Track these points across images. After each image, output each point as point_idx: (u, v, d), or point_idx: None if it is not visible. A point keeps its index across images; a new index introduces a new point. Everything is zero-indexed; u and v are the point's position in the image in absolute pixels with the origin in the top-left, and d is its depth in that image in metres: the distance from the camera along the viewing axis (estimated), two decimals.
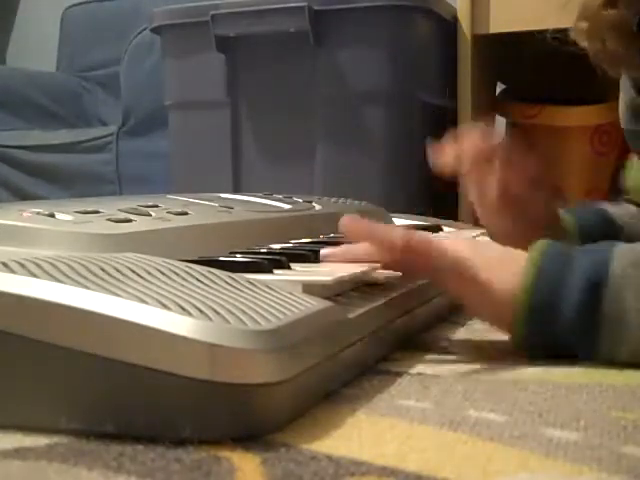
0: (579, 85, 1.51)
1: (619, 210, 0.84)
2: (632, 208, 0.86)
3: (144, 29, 1.98)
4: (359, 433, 0.39)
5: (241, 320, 0.38)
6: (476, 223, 0.74)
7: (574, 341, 0.54)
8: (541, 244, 0.57)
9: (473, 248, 0.58)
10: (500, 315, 0.56)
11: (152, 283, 0.42)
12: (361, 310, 0.51)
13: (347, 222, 0.59)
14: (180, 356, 0.36)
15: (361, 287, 0.58)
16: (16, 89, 2.51)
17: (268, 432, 0.38)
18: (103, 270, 0.42)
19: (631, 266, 0.54)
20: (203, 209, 0.72)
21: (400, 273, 0.59)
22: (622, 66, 0.72)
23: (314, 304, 0.45)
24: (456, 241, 0.61)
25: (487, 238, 0.80)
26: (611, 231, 0.81)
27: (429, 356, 0.57)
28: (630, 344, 0.53)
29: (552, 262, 0.55)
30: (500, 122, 1.70)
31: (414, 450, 0.37)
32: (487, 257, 0.57)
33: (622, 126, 0.82)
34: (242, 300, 0.42)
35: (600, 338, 0.54)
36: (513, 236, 0.67)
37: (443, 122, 1.53)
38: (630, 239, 0.60)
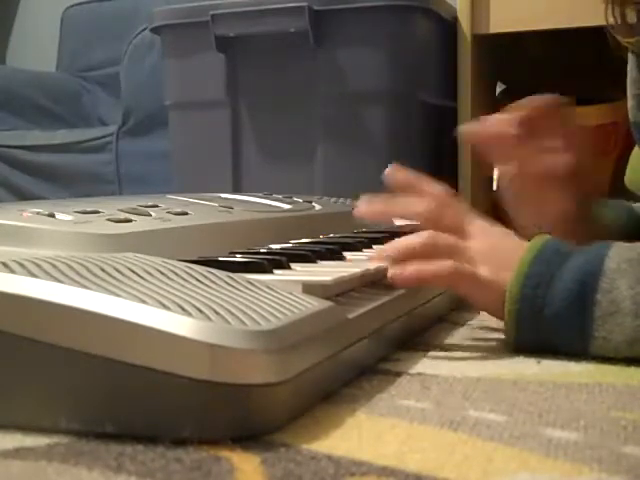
0: (579, 85, 1.51)
1: None
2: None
3: (144, 29, 1.98)
4: (359, 433, 0.39)
5: (241, 320, 0.38)
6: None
7: (568, 332, 0.55)
8: (541, 238, 0.58)
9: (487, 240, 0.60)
10: (495, 305, 0.58)
11: (152, 283, 0.42)
12: (361, 310, 0.51)
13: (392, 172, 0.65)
14: (180, 356, 0.36)
15: (361, 287, 0.58)
16: (16, 89, 2.51)
17: (268, 432, 0.38)
18: (103, 270, 0.42)
19: (626, 262, 0.54)
20: (203, 209, 0.72)
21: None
22: (636, 36, 0.73)
23: (314, 304, 0.45)
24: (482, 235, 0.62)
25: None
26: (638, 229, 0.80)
27: (429, 356, 0.57)
28: (625, 332, 0.53)
29: (548, 256, 0.56)
30: None
31: (414, 450, 0.37)
32: (494, 254, 0.59)
33: (630, 119, 0.82)
34: (242, 300, 0.42)
35: (594, 327, 0.54)
36: (542, 227, 0.66)
37: (443, 122, 1.53)
38: None
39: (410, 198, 0.64)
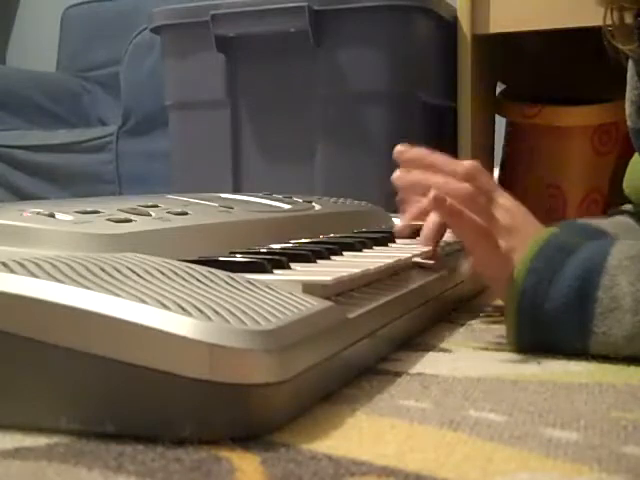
0: (579, 85, 1.51)
1: (603, 222, 0.83)
2: (620, 218, 0.85)
3: (144, 29, 1.98)
4: (359, 433, 0.39)
5: (241, 320, 0.38)
6: None
7: (568, 329, 0.55)
8: (546, 233, 0.58)
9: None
10: (499, 276, 0.58)
11: (152, 283, 0.42)
12: (361, 310, 0.51)
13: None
14: (180, 356, 0.36)
15: (361, 287, 0.58)
16: (16, 89, 2.51)
17: (268, 432, 0.38)
18: (103, 270, 0.42)
19: (628, 259, 0.55)
20: (203, 209, 0.72)
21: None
22: (635, 42, 0.73)
23: (314, 304, 0.45)
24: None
25: None
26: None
27: (429, 356, 0.57)
28: (625, 328, 0.53)
29: (550, 252, 0.56)
30: (500, 122, 1.70)
31: (414, 450, 0.37)
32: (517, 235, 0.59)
33: (629, 125, 0.82)
34: (242, 300, 0.42)
35: (594, 323, 0.54)
36: None
37: (443, 122, 1.53)
38: None
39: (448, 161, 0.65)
